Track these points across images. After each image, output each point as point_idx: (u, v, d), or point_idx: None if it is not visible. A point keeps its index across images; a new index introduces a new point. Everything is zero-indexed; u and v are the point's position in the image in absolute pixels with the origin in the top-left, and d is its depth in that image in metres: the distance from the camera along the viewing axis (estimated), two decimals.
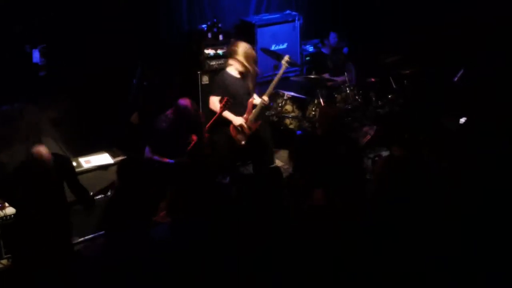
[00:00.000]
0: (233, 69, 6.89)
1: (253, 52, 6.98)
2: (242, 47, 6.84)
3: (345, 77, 8.52)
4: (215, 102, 6.78)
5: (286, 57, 7.09)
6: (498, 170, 4.87)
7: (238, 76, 6.91)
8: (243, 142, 6.90)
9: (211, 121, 6.56)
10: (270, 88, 7.05)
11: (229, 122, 6.85)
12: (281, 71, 7.06)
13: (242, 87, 6.91)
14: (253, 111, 6.91)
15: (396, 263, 4.27)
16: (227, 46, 7.42)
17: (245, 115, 6.87)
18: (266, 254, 4.49)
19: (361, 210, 5.01)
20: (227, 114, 6.77)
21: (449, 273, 4.20)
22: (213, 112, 6.76)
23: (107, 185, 5.49)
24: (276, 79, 7.03)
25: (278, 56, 7.58)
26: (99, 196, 5.61)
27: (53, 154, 5.32)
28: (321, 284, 4.29)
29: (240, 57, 6.79)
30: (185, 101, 6.26)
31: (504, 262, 4.26)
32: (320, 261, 4.38)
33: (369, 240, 4.41)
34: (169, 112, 6.35)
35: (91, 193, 5.52)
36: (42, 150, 5.23)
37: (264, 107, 7.12)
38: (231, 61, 6.90)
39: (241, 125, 6.84)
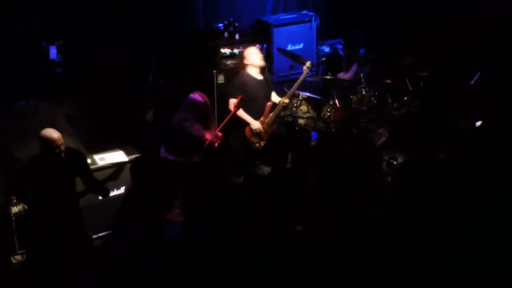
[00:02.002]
0: (253, 69, 6.86)
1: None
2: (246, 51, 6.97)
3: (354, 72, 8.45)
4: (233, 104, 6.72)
5: (308, 63, 7.06)
6: (500, 171, 4.84)
7: (259, 77, 6.88)
8: (257, 145, 6.87)
9: (226, 119, 6.55)
10: (291, 92, 7.05)
11: (245, 124, 6.83)
12: (302, 77, 7.04)
13: (261, 89, 6.88)
14: (271, 114, 6.89)
15: (397, 263, 4.26)
16: (243, 46, 7.43)
17: (261, 118, 6.85)
18: (266, 254, 4.49)
19: (363, 210, 5.00)
20: (245, 116, 6.74)
21: (449, 273, 4.18)
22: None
23: (115, 171, 5.48)
24: (296, 84, 7.03)
25: (294, 56, 7.56)
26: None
27: (66, 148, 5.27)
28: (321, 284, 4.28)
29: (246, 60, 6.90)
30: (195, 94, 6.28)
31: (504, 262, 4.24)
32: (320, 261, 4.38)
33: (370, 240, 4.40)
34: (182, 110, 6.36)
35: (101, 180, 5.50)
36: (53, 132, 5.08)
37: (282, 110, 7.10)
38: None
39: (257, 129, 6.80)
